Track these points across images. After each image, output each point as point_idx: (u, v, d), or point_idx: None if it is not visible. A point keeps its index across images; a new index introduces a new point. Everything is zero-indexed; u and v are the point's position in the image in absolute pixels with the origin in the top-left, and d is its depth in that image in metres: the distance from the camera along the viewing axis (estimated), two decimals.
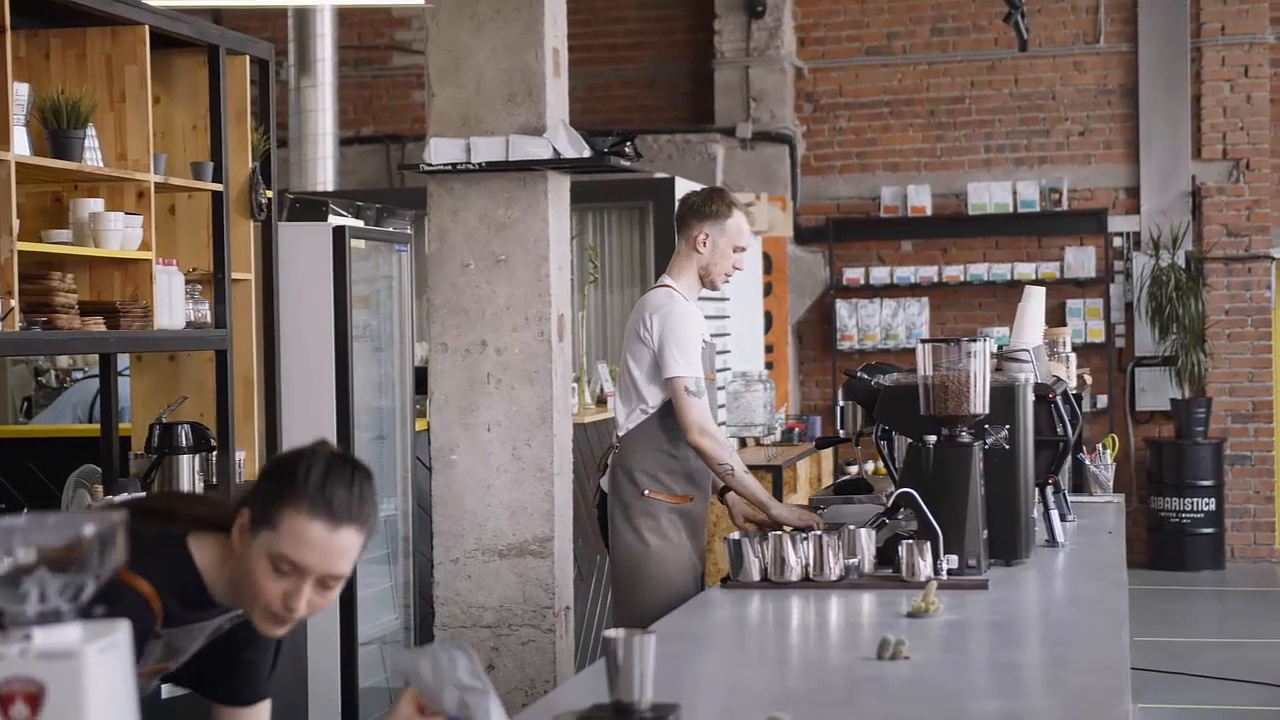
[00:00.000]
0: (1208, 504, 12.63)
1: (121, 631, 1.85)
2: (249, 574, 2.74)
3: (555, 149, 5.70)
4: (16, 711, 1.79)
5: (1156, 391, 13.01)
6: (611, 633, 2.83)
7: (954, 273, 13.24)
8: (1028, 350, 5.36)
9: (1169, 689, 8.71)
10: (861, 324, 13.36)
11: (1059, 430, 5.13)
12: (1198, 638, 10.40)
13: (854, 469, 10.71)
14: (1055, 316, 12.75)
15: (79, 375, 8.62)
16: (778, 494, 9.19)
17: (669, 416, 5.36)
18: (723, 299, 10.61)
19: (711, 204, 5.52)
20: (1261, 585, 12.27)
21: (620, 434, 5.56)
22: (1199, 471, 12.66)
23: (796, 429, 11.20)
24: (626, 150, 5.98)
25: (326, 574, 2.72)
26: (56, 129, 5.08)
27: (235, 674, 3.01)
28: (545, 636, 5.79)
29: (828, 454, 11.42)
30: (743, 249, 5.53)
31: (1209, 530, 12.67)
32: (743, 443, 10.70)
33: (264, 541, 2.71)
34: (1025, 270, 13.03)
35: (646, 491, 5.43)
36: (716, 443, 5.32)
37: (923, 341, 4.61)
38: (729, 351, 10.79)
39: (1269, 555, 13.01)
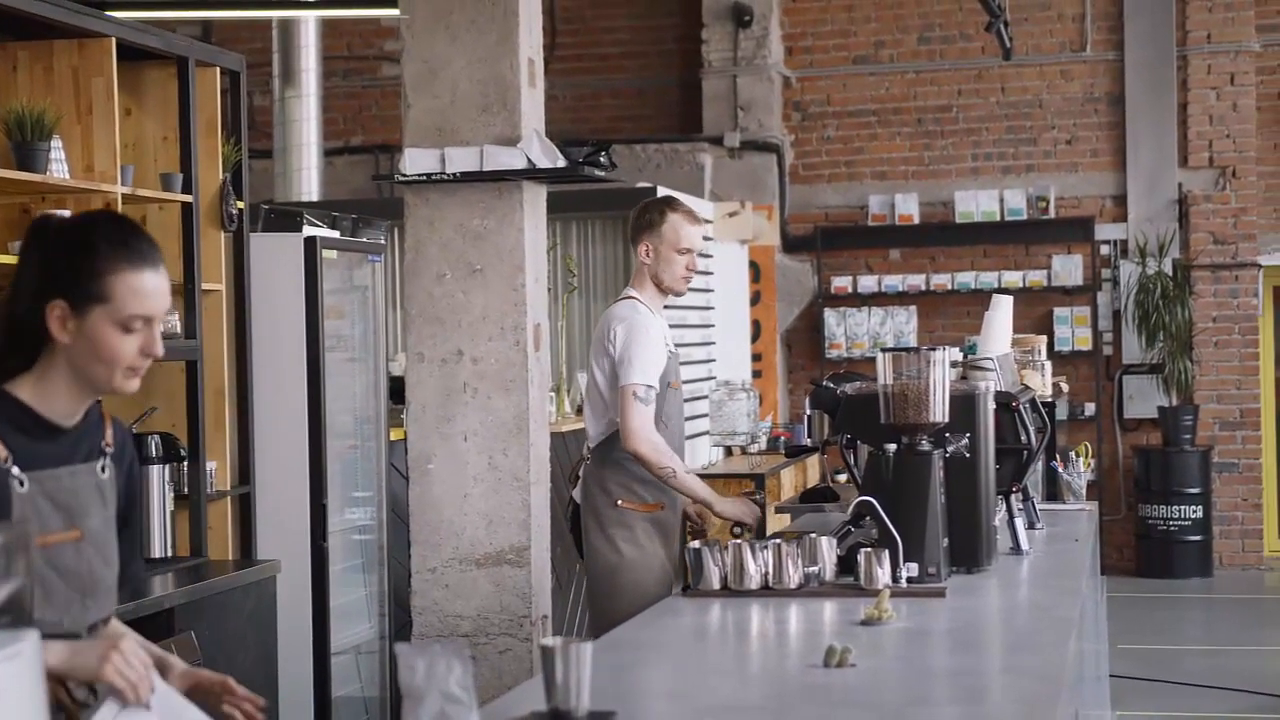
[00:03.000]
0: (1195, 511, 12.64)
1: (29, 641, 1.87)
2: (97, 350, 2.84)
3: (529, 159, 5.71)
4: None
5: (1144, 399, 13.01)
6: (548, 641, 2.87)
7: (942, 281, 13.25)
8: (991, 359, 5.36)
9: (1152, 696, 8.72)
10: (850, 332, 13.36)
11: (1023, 439, 5.14)
12: (1184, 645, 10.40)
13: (843, 477, 10.69)
14: (1042, 324, 12.78)
15: None
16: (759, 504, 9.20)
17: None
18: (708, 308, 10.63)
19: (645, 214, 5.59)
20: (1248, 592, 12.27)
21: (591, 445, 5.59)
22: (1186, 479, 12.66)
23: (783, 438, 11.18)
24: (601, 160, 5.99)
25: (163, 313, 2.90)
26: (21, 141, 5.10)
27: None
28: (523, 645, 5.79)
29: (814, 462, 11.42)
30: (688, 250, 5.55)
31: (1196, 538, 12.67)
32: (728, 451, 10.70)
33: (101, 315, 2.83)
34: (1013, 278, 13.03)
35: (620, 502, 5.47)
36: (654, 448, 5.36)
37: (883, 350, 4.62)
38: (714, 360, 10.80)
39: (1256, 563, 13.00)
